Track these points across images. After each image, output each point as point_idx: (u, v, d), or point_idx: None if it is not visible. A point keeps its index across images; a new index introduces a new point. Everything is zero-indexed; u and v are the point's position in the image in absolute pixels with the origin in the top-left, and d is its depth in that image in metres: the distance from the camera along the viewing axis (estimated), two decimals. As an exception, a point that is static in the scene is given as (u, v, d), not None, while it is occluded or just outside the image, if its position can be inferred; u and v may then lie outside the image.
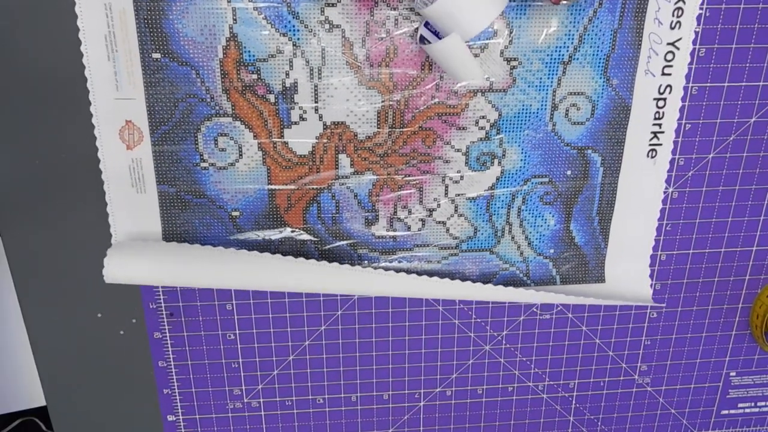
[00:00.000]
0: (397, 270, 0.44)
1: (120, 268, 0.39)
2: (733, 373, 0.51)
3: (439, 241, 0.44)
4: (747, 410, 0.53)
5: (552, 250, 0.45)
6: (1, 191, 0.40)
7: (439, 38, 0.37)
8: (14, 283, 0.42)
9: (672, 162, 0.44)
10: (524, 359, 0.49)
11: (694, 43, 0.40)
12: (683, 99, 0.42)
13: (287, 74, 0.39)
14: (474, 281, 0.43)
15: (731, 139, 0.44)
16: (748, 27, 0.41)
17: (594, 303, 0.44)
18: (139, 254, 0.40)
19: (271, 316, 0.45)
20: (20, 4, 0.36)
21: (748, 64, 0.42)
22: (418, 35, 0.38)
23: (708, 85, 0.42)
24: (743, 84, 0.42)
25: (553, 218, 0.44)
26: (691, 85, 0.42)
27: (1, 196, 0.40)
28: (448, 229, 0.44)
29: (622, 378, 0.50)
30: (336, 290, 0.42)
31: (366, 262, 0.44)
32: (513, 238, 0.44)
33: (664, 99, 0.42)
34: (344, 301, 0.45)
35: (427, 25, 0.38)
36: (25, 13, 0.36)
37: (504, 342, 0.48)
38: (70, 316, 0.44)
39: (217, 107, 0.39)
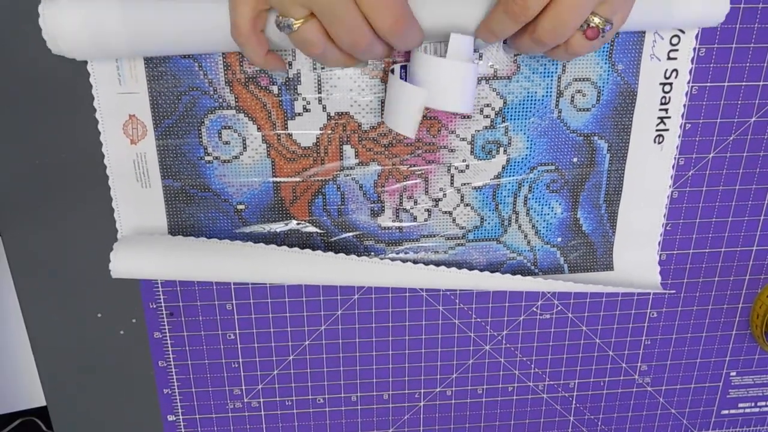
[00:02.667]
0: (404, 261, 0.43)
1: (126, 263, 0.39)
2: (733, 373, 0.51)
3: (445, 231, 0.44)
4: (747, 410, 0.53)
5: (559, 239, 0.45)
6: (1, 191, 0.40)
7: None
8: (14, 283, 0.42)
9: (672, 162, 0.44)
10: (524, 359, 0.49)
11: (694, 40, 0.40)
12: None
13: (290, 65, 0.39)
14: (481, 271, 0.43)
15: (731, 138, 0.44)
16: (748, 27, 0.41)
17: (603, 290, 0.44)
18: (146, 248, 0.40)
19: (271, 316, 0.45)
20: (22, 0, 0.36)
21: (748, 64, 0.42)
22: (392, 67, 0.38)
23: (708, 85, 0.42)
24: (743, 84, 0.42)
25: (559, 206, 0.44)
26: (691, 85, 0.42)
27: (1, 196, 0.40)
28: (454, 219, 0.44)
29: (622, 378, 0.50)
30: (342, 282, 0.42)
31: (372, 253, 0.44)
32: (520, 227, 0.44)
33: (671, 84, 0.41)
34: (344, 301, 0.45)
35: (404, 68, 0.38)
36: (27, 9, 0.36)
37: (504, 342, 0.48)
38: (70, 316, 0.44)
39: (221, 100, 0.39)
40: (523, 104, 0.41)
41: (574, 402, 0.51)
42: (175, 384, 0.46)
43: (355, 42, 0.31)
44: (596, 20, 0.31)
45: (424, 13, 0.33)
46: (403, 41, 0.32)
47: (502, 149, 0.42)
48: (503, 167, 0.43)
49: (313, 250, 0.41)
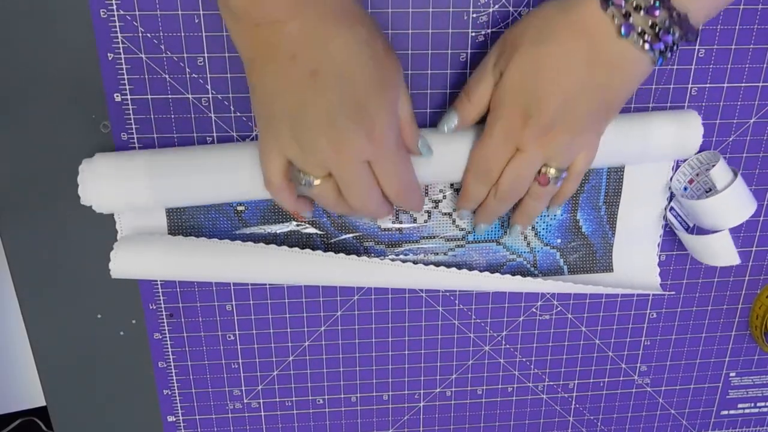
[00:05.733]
0: (404, 262, 0.43)
1: (126, 263, 0.39)
2: (732, 374, 0.51)
3: (445, 232, 0.44)
4: (747, 411, 0.53)
5: (559, 240, 0.45)
6: (1, 191, 0.40)
7: (683, 226, 0.44)
8: (14, 283, 0.42)
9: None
10: (524, 360, 0.49)
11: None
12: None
13: None
14: (481, 272, 0.43)
15: (730, 139, 0.44)
16: (747, 28, 0.41)
17: (602, 291, 0.44)
18: (146, 248, 0.40)
19: (270, 316, 0.45)
20: (23, 3, 0.36)
21: (747, 65, 0.42)
22: (667, 212, 0.44)
23: (707, 85, 0.42)
24: (743, 85, 0.42)
25: (559, 208, 0.44)
26: (690, 85, 0.42)
27: (1, 196, 0.40)
28: (454, 221, 0.44)
29: (621, 378, 0.50)
30: (342, 282, 0.42)
31: (372, 254, 0.44)
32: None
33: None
34: (344, 302, 0.45)
35: (672, 210, 0.43)
36: (28, 9, 0.36)
37: (504, 342, 0.48)
38: (70, 316, 0.44)
39: None
40: None
41: (573, 402, 0.51)
42: (175, 385, 0.46)
43: (364, 204, 0.35)
44: (552, 171, 0.36)
45: (425, 171, 0.38)
46: (407, 204, 0.37)
47: None
48: None
49: (313, 250, 0.41)
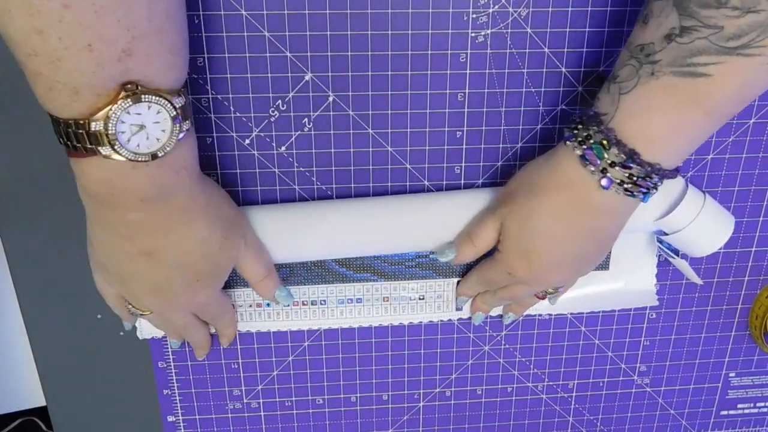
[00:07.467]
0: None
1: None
2: (732, 374, 0.51)
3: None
4: (746, 411, 0.53)
5: None
6: (1, 191, 0.40)
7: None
8: (14, 283, 0.42)
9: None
10: (523, 359, 0.49)
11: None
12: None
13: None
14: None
15: (730, 140, 0.44)
16: (747, 28, 0.40)
17: (595, 304, 0.44)
18: None
19: (270, 316, 0.45)
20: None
21: (747, 66, 0.42)
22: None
23: (707, 86, 0.42)
24: (742, 85, 0.42)
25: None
26: (690, 86, 0.42)
27: (1, 196, 0.40)
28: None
29: (621, 378, 0.50)
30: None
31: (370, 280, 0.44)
32: None
33: None
34: (344, 301, 0.45)
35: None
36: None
37: (503, 342, 0.48)
38: (70, 317, 0.44)
39: None
40: None
41: (573, 402, 0.51)
42: (175, 385, 0.46)
43: (188, 334, 0.42)
44: (549, 289, 0.41)
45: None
46: (220, 333, 0.44)
47: None
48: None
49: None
